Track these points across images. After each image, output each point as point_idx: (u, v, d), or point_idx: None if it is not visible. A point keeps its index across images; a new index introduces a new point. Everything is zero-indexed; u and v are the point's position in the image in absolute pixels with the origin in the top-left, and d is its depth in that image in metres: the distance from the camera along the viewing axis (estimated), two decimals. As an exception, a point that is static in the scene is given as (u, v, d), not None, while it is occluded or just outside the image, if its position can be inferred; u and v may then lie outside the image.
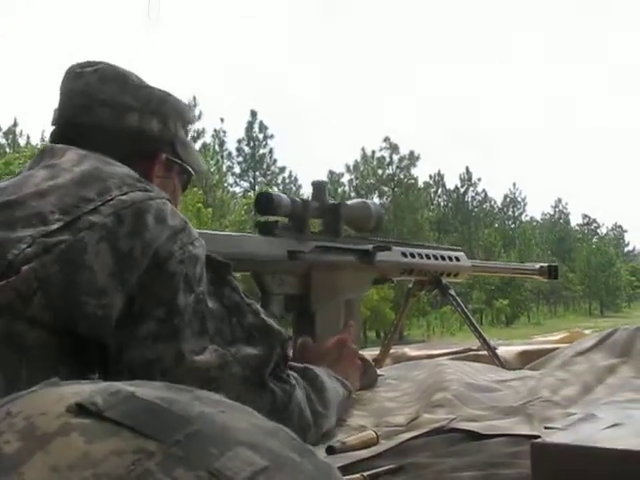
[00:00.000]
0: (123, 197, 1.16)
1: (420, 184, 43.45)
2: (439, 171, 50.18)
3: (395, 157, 41.16)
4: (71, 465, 0.41)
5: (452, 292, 2.12)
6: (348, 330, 1.69)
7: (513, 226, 53.92)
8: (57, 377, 0.50)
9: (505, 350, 2.19)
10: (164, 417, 0.44)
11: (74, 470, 0.40)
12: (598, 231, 60.61)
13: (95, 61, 1.36)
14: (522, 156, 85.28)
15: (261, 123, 42.62)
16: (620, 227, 62.70)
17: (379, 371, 1.91)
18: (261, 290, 1.61)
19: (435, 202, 49.89)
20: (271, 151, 43.25)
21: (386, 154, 41.31)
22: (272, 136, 43.18)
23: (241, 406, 0.49)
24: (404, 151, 41.23)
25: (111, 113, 1.32)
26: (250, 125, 42.57)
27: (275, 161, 43.71)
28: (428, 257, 2.03)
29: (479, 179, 51.06)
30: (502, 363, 2.04)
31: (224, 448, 0.42)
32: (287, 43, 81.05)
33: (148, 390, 0.47)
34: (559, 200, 58.66)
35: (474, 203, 50.63)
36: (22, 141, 35.83)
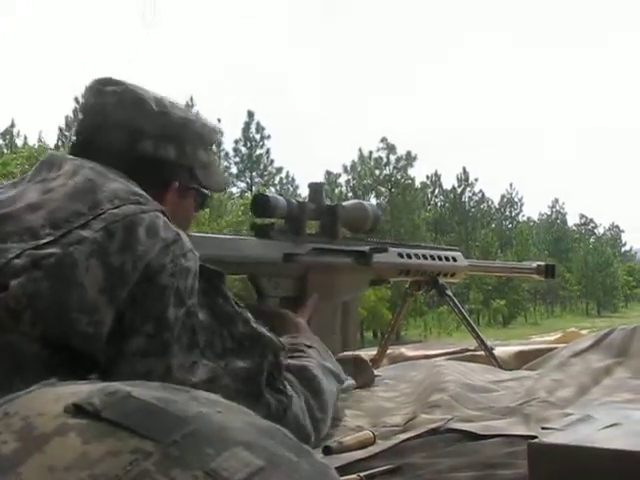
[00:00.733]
0: (115, 210, 1.16)
1: (417, 184, 43.48)
2: (436, 171, 50.17)
3: (392, 157, 41.20)
4: (68, 465, 0.41)
5: (449, 292, 2.12)
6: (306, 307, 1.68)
7: (510, 226, 53.95)
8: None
9: (502, 350, 2.20)
10: (161, 417, 0.44)
11: (71, 470, 0.40)
12: (595, 231, 60.63)
13: (118, 80, 1.35)
14: (519, 156, 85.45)
15: (258, 123, 42.65)
16: (617, 227, 62.76)
17: (376, 371, 1.91)
18: (257, 293, 1.61)
19: (432, 202, 49.88)
20: (268, 151, 43.27)
21: (383, 154, 41.35)
22: (269, 136, 43.21)
23: (238, 406, 0.49)
24: (401, 151, 41.30)
25: (125, 137, 1.31)
26: (247, 125, 42.58)
27: (272, 161, 43.74)
28: (425, 257, 2.04)
29: (476, 179, 51.07)
30: (499, 363, 2.04)
31: (221, 448, 0.42)
32: (286, 43, 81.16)
33: (145, 390, 0.47)
34: (556, 200, 58.71)
35: (471, 203, 50.63)
36: (19, 142, 35.78)
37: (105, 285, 1.11)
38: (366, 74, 76.69)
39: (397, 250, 1.96)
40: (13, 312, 1.07)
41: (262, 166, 43.53)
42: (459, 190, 50.22)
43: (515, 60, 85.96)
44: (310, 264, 1.68)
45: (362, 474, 1.13)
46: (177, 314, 1.16)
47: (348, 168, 42.51)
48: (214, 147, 1.50)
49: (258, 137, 42.89)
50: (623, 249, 62.99)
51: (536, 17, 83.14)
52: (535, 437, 1.06)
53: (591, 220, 60.39)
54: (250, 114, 42.60)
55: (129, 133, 1.31)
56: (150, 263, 1.14)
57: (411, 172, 41.84)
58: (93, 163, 1.26)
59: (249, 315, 1.26)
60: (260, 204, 1.62)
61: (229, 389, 1.17)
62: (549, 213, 58.54)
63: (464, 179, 50.32)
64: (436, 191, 50.58)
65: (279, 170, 44.25)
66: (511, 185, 55.73)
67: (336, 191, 41.31)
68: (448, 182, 51.72)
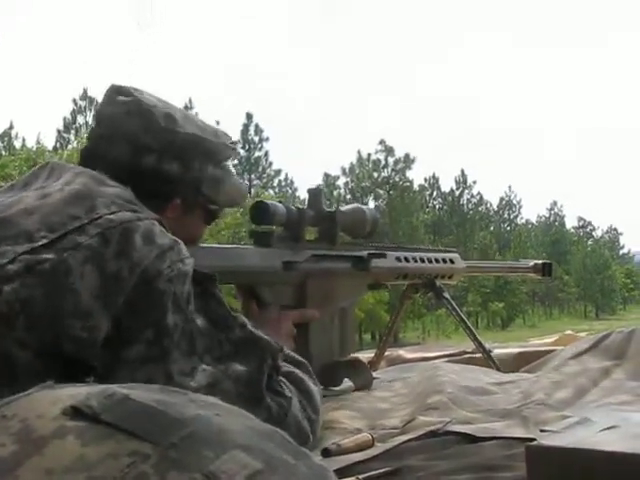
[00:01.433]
0: (111, 216, 1.16)
1: (415, 187, 43.53)
2: (434, 174, 50.21)
3: (390, 160, 41.24)
4: (66, 468, 0.41)
5: (446, 295, 2.12)
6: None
7: (508, 229, 53.98)
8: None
9: (500, 352, 2.20)
10: (159, 420, 0.44)
11: (69, 473, 0.40)
12: (593, 234, 60.65)
13: (131, 90, 1.35)
14: (517, 159, 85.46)
15: (256, 126, 42.68)
16: (615, 230, 62.78)
17: (374, 374, 1.91)
18: (257, 301, 1.60)
19: (430, 205, 49.91)
20: (266, 154, 43.32)
21: (381, 157, 41.40)
22: (267, 139, 43.24)
23: (236, 409, 0.50)
24: (399, 154, 41.32)
25: (128, 150, 1.31)
26: (246, 128, 42.60)
27: (271, 164, 43.78)
28: (422, 260, 2.03)
29: (474, 182, 51.08)
30: (497, 366, 2.04)
31: (219, 451, 0.42)
32: (285, 44, 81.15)
33: (143, 393, 0.47)
34: (554, 203, 58.71)
35: (469, 206, 50.65)
36: (18, 144, 35.73)
37: (100, 291, 1.11)
38: (366, 74, 76.78)
39: (395, 254, 1.95)
40: (6, 318, 1.07)
41: (261, 168, 43.56)
42: (457, 192, 50.25)
43: (515, 60, 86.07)
44: (309, 271, 1.68)
45: (360, 477, 1.13)
46: (175, 320, 1.16)
47: (347, 170, 42.56)
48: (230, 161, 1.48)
49: (257, 139, 42.95)
50: (621, 252, 62.98)
51: (536, 17, 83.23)
52: (533, 439, 1.06)
53: (589, 222, 60.46)
54: (249, 116, 42.67)
55: (133, 146, 1.31)
56: (146, 269, 1.14)
57: (409, 174, 41.96)
58: (94, 172, 1.26)
59: (244, 319, 1.27)
60: (259, 211, 1.62)
61: (230, 393, 1.17)
62: (547, 215, 58.59)
63: (462, 181, 50.35)
64: (434, 193, 50.63)
65: (278, 172, 44.30)
66: (509, 187, 55.86)
67: (335, 193, 41.33)
68: (446, 184, 51.80)
